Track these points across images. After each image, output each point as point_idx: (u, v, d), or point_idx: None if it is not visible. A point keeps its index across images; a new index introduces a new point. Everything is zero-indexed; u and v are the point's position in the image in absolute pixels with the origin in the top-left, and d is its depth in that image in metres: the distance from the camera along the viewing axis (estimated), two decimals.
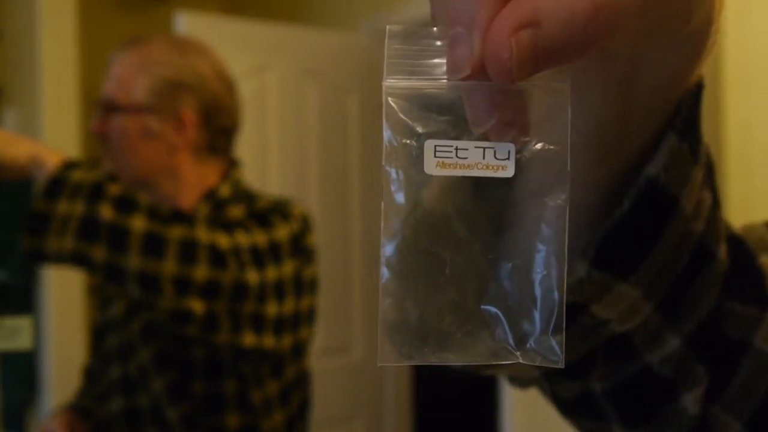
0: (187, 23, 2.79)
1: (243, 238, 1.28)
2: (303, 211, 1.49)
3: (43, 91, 3.21)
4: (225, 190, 1.53)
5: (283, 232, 1.36)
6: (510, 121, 0.31)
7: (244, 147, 2.98)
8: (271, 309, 1.30)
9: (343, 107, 3.18)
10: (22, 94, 3.40)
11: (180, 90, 1.44)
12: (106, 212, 1.17)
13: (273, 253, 1.32)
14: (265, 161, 2.97)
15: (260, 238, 1.31)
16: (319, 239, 3.05)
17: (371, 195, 3.25)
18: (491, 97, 0.30)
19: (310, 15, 3.51)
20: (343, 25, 3.32)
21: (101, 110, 1.41)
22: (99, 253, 1.17)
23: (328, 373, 3.10)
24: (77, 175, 1.18)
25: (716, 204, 0.45)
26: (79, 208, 1.17)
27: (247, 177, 2.92)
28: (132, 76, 1.41)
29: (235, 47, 2.90)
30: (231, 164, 1.56)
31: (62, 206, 1.17)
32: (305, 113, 3.06)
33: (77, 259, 1.17)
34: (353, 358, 3.19)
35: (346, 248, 3.17)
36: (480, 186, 0.37)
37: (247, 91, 2.96)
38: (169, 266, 1.18)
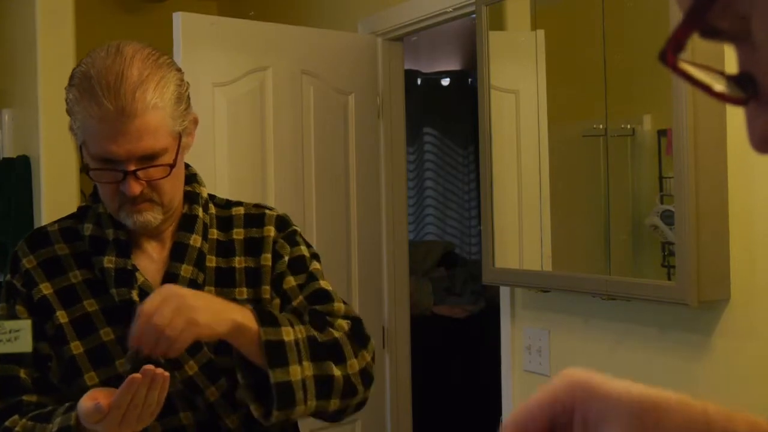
0: (184, 23, 2.78)
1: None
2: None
3: (40, 93, 3.20)
4: (204, 191, 1.52)
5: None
6: None
7: (242, 147, 2.98)
8: None
9: (341, 108, 3.17)
10: (19, 95, 3.39)
11: (186, 91, 1.42)
12: (334, 370, 1.38)
13: None
14: (263, 161, 2.96)
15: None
16: (317, 240, 3.05)
17: (369, 196, 3.24)
18: None
19: (309, 15, 3.50)
20: (342, 26, 3.31)
21: (135, 167, 1.33)
22: (334, 405, 1.38)
23: None
24: (289, 336, 1.35)
25: None
26: (309, 370, 1.35)
27: (246, 177, 2.93)
28: (162, 123, 1.33)
29: (233, 47, 2.89)
30: None
31: (296, 372, 1.33)
32: (303, 113, 3.05)
33: (317, 414, 1.39)
34: None
35: (345, 249, 3.16)
36: None
37: (245, 91, 2.96)
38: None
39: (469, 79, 5.62)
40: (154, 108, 1.31)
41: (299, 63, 3.04)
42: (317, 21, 3.40)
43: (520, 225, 2.50)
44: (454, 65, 5.77)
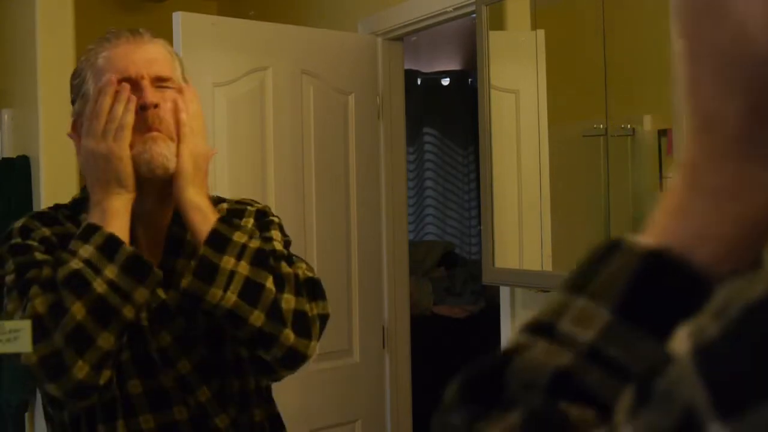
0: (184, 23, 2.78)
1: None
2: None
3: (40, 93, 3.20)
4: None
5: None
6: None
7: (242, 147, 2.98)
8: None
9: (341, 108, 3.17)
10: (19, 95, 3.39)
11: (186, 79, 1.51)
12: (268, 283, 1.33)
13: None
14: (263, 161, 2.96)
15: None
16: (317, 240, 3.05)
17: (369, 196, 3.24)
18: None
19: (309, 15, 3.50)
20: (342, 26, 3.31)
21: (150, 85, 1.42)
22: (255, 319, 1.31)
23: (328, 376, 3.09)
24: (239, 238, 1.35)
25: None
26: (244, 270, 1.32)
27: (246, 177, 2.92)
28: (171, 62, 1.46)
29: (233, 47, 2.89)
30: None
31: (228, 261, 1.32)
32: (303, 113, 3.05)
33: (231, 316, 1.31)
34: (353, 361, 3.18)
35: (345, 250, 3.16)
36: None
37: (245, 91, 2.95)
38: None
39: (469, 79, 5.62)
40: (165, 47, 1.47)
41: (299, 63, 3.04)
42: (317, 21, 3.40)
43: (520, 225, 2.50)
44: (454, 65, 5.77)
